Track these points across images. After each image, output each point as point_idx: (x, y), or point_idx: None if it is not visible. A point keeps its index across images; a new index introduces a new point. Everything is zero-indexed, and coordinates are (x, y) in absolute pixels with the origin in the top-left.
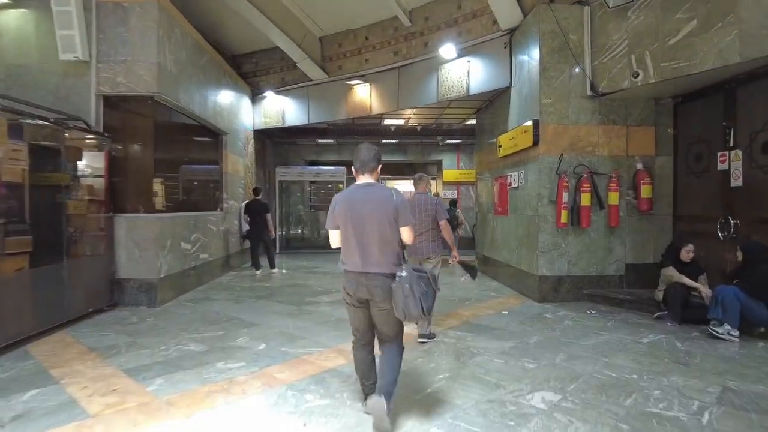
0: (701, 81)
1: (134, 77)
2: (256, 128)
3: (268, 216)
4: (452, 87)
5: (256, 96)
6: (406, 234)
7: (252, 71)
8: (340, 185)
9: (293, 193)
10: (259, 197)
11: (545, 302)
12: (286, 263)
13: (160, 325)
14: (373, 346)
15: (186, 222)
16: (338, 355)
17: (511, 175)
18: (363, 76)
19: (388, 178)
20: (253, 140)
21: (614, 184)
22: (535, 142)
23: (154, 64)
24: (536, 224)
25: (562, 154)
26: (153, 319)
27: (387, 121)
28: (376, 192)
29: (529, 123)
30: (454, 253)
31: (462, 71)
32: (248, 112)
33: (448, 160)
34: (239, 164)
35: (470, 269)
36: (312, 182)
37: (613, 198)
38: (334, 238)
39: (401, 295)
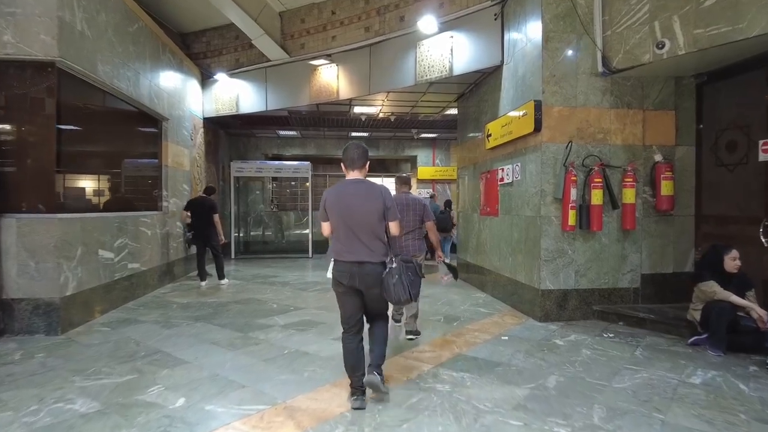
0: (739, 53)
1: (26, 36)
2: (206, 116)
3: (216, 217)
4: (432, 67)
5: (206, 80)
6: (394, 227)
7: (202, 52)
8: (306, 183)
9: (252, 191)
10: (208, 194)
11: (549, 321)
12: (241, 271)
13: (49, 365)
14: (362, 334)
15: (107, 224)
16: (287, 419)
17: (503, 169)
18: (329, 55)
19: None
20: (202, 130)
21: (630, 179)
22: (537, 128)
23: (54, 19)
24: (537, 227)
25: (570, 142)
26: (44, 356)
27: (357, 109)
28: (365, 187)
29: (530, 104)
30: (439, 252)
31: (444, 48)
32: (197, 98)
33: (423, 156)
34: (184, 156)
35: (453, 270)
36: (273, 179)
37: (629, 196)
38: (326, 228)
39: (391, 283)
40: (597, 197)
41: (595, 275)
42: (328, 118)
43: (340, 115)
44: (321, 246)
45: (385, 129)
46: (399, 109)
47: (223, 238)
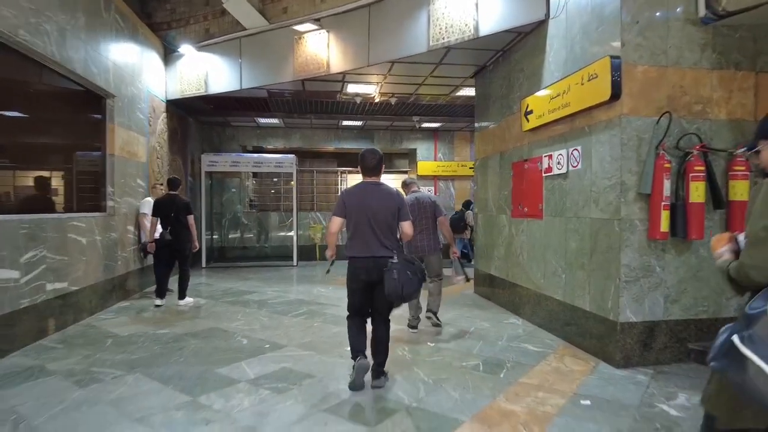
0: None
1: None
2: (170, 99)
3: (191, 219)
4: (451, 27)
5: (170, 55)
6: (407, 227)
7: (166, 21)
8: (291, 181)
9: (227, 189)
10: (176, 192)
11: (630, 366)
12: (210, 286)
13: None
14: (366, 319)
15: (6, 232)
16: None
17: (550, 157)
18: (318, 20)
19: (349, 171)
20: (165, 115)
21: (741, 168)
22: (615, 95)
23: None
24: (614, 234)
25: (669, 114)
26: None
27: (351, 88)
28: (384, 190)
29: (602, 62)
30: (453, 249)
31: (466, 3)
32: (158, 76)
33: (423, 149)
34: (138, 145)
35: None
36: (254, 175)
37: (740, 190)
38: (336, 225)
39: (389, 278)
40: (697, 192)
41: (690, 301)
42: (316, 102)
43: (330, 97)
44: (307, 252)
45: (382, 116)
46: (401, 89)
47: (197, 244)
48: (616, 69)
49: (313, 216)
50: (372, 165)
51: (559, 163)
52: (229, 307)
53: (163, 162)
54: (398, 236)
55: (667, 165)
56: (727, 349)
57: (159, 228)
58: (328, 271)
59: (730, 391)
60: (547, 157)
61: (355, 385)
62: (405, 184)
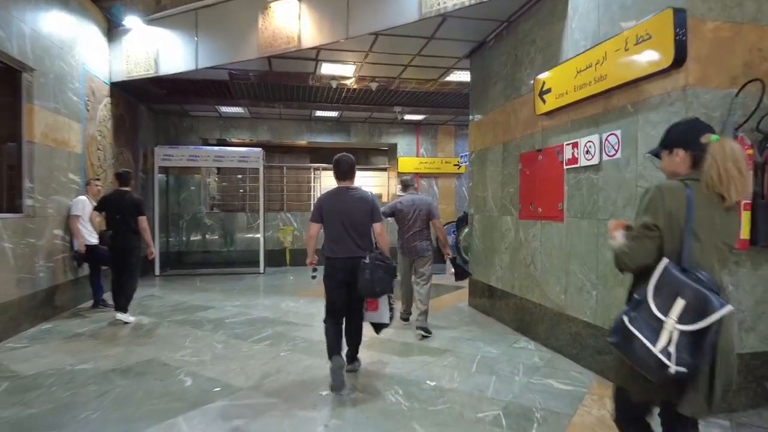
0: None
1: None
2: (115, 81)
3: (143, 221)
4: None
5: (115, 30)
6: (378, 228)
7: None
8: (257, 179)
9: (185, 187)
10: (128, 188)
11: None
12: (161, 298)
13: None
14: (342, 321)
15: None
16: None
17: (574, 144)
18: None
19: (323, 168)
20: (109, 100)
21: None
22: (679, 59)
23: None
24: None
25: (762, 83)
26: None
27: (326, 68)
28: (356, 194)
29: (661, 17)
30: (447, 250)
31: None
32: (99, 54)
33: (404, 144)
34: (69, 132)
35: (460, 271)
36: (218, 170)
37: None
38: (314, 230)
39: (362, 278)
40: None
41: None
42: (285, 87)
43: (301, 80)
44: (276, 257)
45: (360, 106)
46: (384, 72)
47: (153, 250)
48: (680, 25)
49: (283, 217)
50: (345, 170)
51: (587, 152)
52: (177, 328)
53: (105, 154)
54: (372, 237)
55: (749, 152)
56: (619, 327)
57: (87, 232)
58: (313, 278)
59: (626, 363)
60: (570, 146)
61: (336, 386)
62: (405, 185)
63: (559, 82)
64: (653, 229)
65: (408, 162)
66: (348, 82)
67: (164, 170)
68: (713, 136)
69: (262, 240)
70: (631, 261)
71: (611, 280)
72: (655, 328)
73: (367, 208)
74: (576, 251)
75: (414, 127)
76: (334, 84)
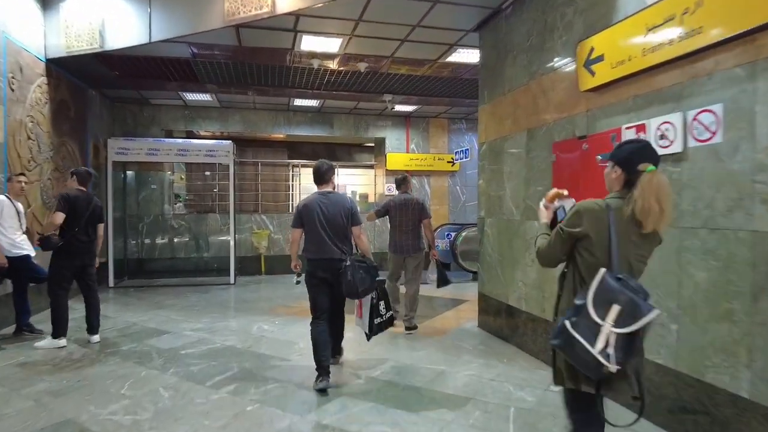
0: None
1: None
2: (52, 57)
3: (101, 229)
4: None
5: None
6: (356, 231)
7: None
8: (227, 176)
9: (145, 185)
10: (86, 188)
11: None
12: (108, 319)
13: None
14: (326, 323)
15: None
16: None
17: (642, 128)
18: None
19: (303, 165)
20: (45, 80)
21: None
22: None
23: None
24: None
25: None
26: None
27: (306, 42)
28: (336, 197)
29: None
30: (434, 251)
31: None
32: (30, 22)
33: (393, 138)
34: None
35: (442, 276)
36: (186, 167)
37: None
38: (296, 235)
39: (344, 281)
40: None
41: None
42: (258, 67)
43: (277, 59)
44: (250, 264)
45: (345, 93)
46: (375, 48)
47: (97, 261)
48: None
49: (258, 219)
50: (320, 174)
51: (663, 136)
52: (117, 364)
53: (40, 145)
54: (352, 240)
55: None
56: (562, 330)
57: (21, 240)
58: (297, 282)
59: (568, 362)
60: (633, 130)
61: (320, 389)
62: (398, 184)
63: (616, 47)
64: (570, 233)
65: (397, 158)
66: (332, 63)
67: (122, 166)
68: (650, 167)
69: (232, 246)
70: (546, 258)
71: (704, 312)
72: (593, 332)
73: (346, 212)
74: (646, 270)
75: (403, 120)
76: (315, 64)
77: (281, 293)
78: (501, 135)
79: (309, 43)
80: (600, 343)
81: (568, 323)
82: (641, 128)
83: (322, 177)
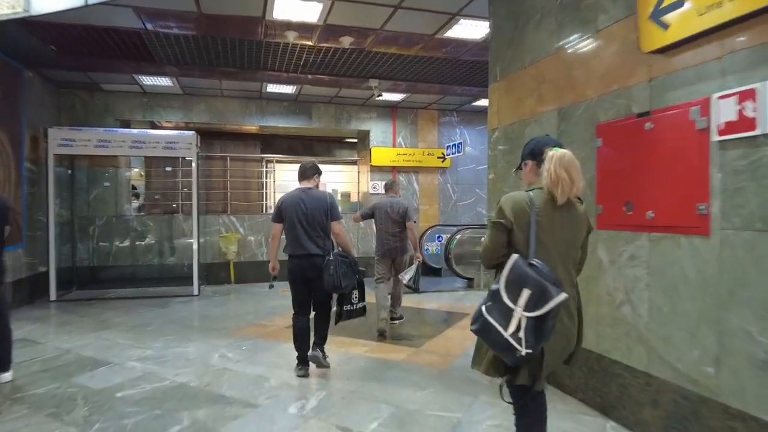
0: None
1: None
2: None
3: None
4: None
5: None
6: (335, 226)
7: None
8: (191, 168)
9: (96, 182)
10: None
11: None
12: (35, 345)
13: None
14: (309, 316)
15: None
16: None
17: (746, 96)
18: None
19: (278, 160)
20: None
21: None
22: None
23: None
24: None
25: None
26: None
27: (281, 8)
28: (315, 194)
29: None
30: (418, 254)
31: None
32: None
33: (378, 131)
34: None
35: (417, 279)
36: (146, 161)
37: None
38: (276, 230)
39: (327, 274)
40: None
41: None
42: (224, 43)
43: (246, 31)
44: (218, 272)
45: (325, 77)
46: (362, 20)
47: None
48: None
49: (226, 221)
50: (303, 170)
51: None
52: (20, 420)
53: None
54: (331, 236)
55: None
56: (479, 315)
57: None
58: (271, 286)
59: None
60: (734, 98)
61: (301, 376)
62: (387, 188)
63: None
64: (499, 223)
65: (383, 153)
66: (311, 38)
67: (69, 160)
68: (554, 148)
69: (195, 252)
70: (483, 252)
71: None
72: (506, 316)
73: (324, 207)
74: (745, 290)
75: (390, 111)
76: (291, 37)
77: (252, 307)
78: (520, 118)
79: (283, 9)
80: (512, 327)
81: (483, 308)
82: (748, 95)
83: (304, 173)
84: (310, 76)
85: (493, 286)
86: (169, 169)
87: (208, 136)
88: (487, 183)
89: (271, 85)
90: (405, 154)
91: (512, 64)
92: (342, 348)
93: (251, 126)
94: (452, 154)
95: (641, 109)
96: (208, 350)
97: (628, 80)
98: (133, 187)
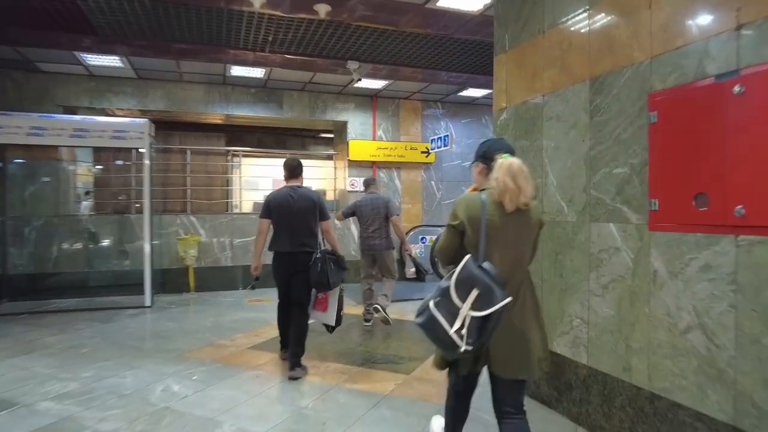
0: None
1: None
2: None
3: None
4: None
5: None
6: (325, 226)
7: None
8: (146, 163)
9: (34, 177)
10: None
11: None
12: None
13: None
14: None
15: None
16: None
17: None
18: None
19: (245, 154)
20: None
21: None
22: None
23: None
24: None
25: None
26: None
27: None
28: (303, 192)
29: None
30: (407, 246)
31: None
32: None
33: (357, 122)
34: None
35: (418, 265)
36: (95, 152)
37: None
38: (264, 226)
39: (315, 271)
40: None
41: None
42: (178, 12)
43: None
44: (177, 279)
45: (298, 60)
46: None
47: None
48: None
49: (185, 221)
50: (292, 168)
51: None
52: None
53: None
54: (319, 235)
55: None
56: (425, 309)
57: None
58: (252, 287)
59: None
60: None
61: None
62: (366, 185)
63: None
64: (454, 226)
65: (362, 147)
66: (281, 5)
67: None
68: (505, 154)
69: (147, 256)
70: (439, 252)
71: None
72: (453, 313)
73: (313, 207)
74: None
75: (369, 101)
76: (257, 4)
77: (211, 322)
78: (539, 92)
79: None
80: (456, 324)
81: (431, 303)
82: None
83: (293, 171)
84: (280, 57)
85: (444, 283)
86: (120, 162)
87: (167, 126)
88: None
89: (236, 67)
90: (386, 148)
91: (526, 30)
92: (316, 376)
93: (215, 115)
94: (438, 148)
95: (724, 69)
96: (149, 381)
97: (700, 32)
98: (87, 193)
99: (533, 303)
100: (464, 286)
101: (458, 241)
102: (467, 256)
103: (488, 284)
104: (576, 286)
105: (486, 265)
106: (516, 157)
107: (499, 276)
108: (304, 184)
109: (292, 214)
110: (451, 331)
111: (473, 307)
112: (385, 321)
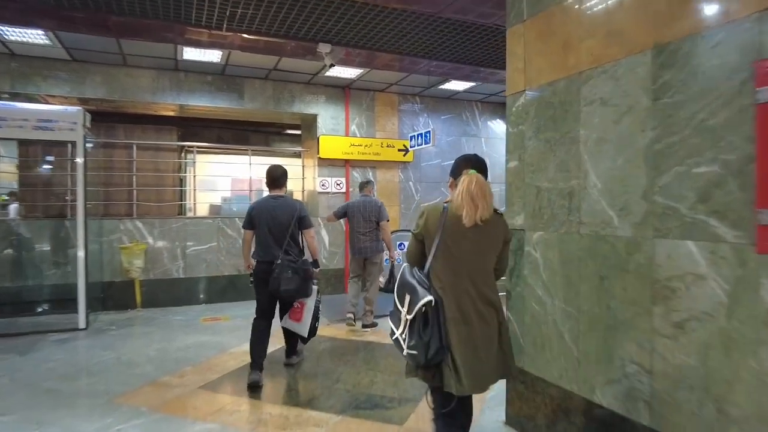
0: None
1: None
2: None
3: None
4: None
5: None
6: (307, 234)
7: None
8: (78, 160)
9: None
10: None
11: None
12: None
13: None
14: (270, 323)
15: None
16: None
17: None
18: None
19: (199, 150)
20: None
21: None
22: None
23: None
24: None
25: None
26: None
27: None
28: (285, 202)
29: None
30: (392, 253)
31: None
32: None
33: (328, 116)
34: None
35: (389, 281)
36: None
37: None
38: (248, 236)
39: (271, 277)
40: None
41: None
42: None
43: None
44: (121, 293)
45: (261, 41)
46: None
47: None
48: None
49: (130, 227)
50: (275, 178)
51: None
52: None
53: None
54: (301, 244)
55: None
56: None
57: None
58: (251, 283)
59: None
60: None
61: (252, 382)
62: (361, 187)
63: None
64: (414, 234)
65: (334, 143)
66: None
67: None
68: (471, 171)
69: (80, 268)
70: (410, 260)
71: None
72: (399, 318)
73: (293, 216)
74: None
75: (341, 93)
76: None
77: (155, 349)
78: (574, 69)
79: None
80: (400, 328)
81: (389, 314)
82: None
83: (276, 181)
84: (240, 37)
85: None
86: (51, 158)
87: (110, 118)
88: (504, 174)
89: (190, 49)
90: (360, 145)
91: None
92: (286, 431)
93: (166, 106)
94: (419, 145)
95: None
96: None
97: None
98: (13, 195)
99: (494, 318)
100: (402, 291)
101: (421, 247)
102: (405, 265)
103: (415, 287)
104: (631, 322)
105: (415, 270)
106: (478, 174)
107: (440, 283)
108: (251, 183)
109: (274, 224)
110: (398, 334)
111: (408, 311)
112: (371, 325)
